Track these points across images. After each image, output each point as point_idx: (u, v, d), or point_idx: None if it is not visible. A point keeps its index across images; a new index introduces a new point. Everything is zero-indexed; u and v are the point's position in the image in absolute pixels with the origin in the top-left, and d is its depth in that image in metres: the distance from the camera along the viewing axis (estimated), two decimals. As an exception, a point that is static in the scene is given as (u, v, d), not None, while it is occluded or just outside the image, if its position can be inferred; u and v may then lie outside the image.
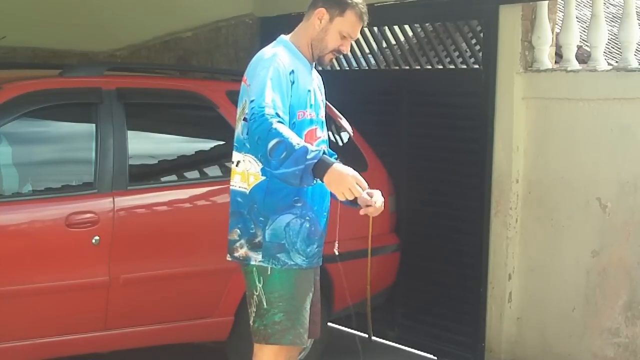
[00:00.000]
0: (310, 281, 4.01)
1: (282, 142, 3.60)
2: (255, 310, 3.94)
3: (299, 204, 3.89)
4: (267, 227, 3.88)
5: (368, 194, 3.88)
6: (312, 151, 3.62)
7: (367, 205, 3.80)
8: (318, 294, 4.13)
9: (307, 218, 3.92)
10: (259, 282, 3.91)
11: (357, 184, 3.64)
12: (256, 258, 3.90)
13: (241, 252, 3.93)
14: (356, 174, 3.67)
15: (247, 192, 3.90)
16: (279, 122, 3.65)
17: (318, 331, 4.22)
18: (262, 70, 3.82)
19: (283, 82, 3.81)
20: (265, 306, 3.90)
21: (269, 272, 3.90)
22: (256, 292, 3.92)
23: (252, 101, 3.75)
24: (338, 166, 3.65)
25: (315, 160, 3.60)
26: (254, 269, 3.92)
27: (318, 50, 4.02)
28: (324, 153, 3.67)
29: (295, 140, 3.63)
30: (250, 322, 3.98)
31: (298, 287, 3.94)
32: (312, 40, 4.01)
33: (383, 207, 3.83)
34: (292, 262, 3.91)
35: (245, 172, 3.91)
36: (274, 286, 3.90)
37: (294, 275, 3.92)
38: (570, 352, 5.65)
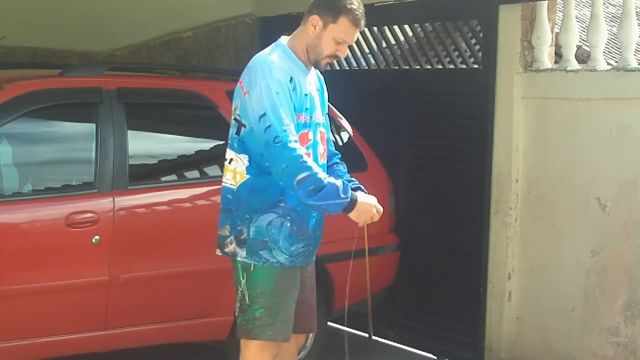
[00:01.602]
0: (294, 279, 4.08)
1: (311, 176, 3.80)
2: (239, 305, 4.06)
3: (282, 204, 3.99)
4: (251, 225, 3.98)
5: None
6: (341, 188, 3.85)
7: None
8: (311, 290, 4.22)
9: (289, 218, 4.00)
10: (243, 278, 4.03)
11: (377, 212, 3.98)
12: (241, 254, 4.02)
13: (230, 247, 4.05)
14: (376, 202, 3.99)
15: (235, 189, 4.01)
16: (306, 152, 3.87)
17: (314, 326, 4.33)
18: (263, 81, 3.89)
19: (287, 93, 3.91)
20: (247, 302, 4.02)
21: (251, 269, 4.01)
22: (240, 287, 4.04)
23: (263, 115, 3.84)
24: (361, 200, 3.93)
25: (348, 200, 3.85)
26: (240, 265, 4.03)
27: (314, 55, 4.06)
28: (347, 184, 3.94)
29: (322, 174, 3.86)
30: (235, 317, 4.11)
31: (279, 285, 4.02)
32: (307, 46, 4.05)
33: (378, 216, 4.04)
34: (274, 260, 3.99)
35: (234, 170, 4.01)
36: (256, 282, 4.01)
37: (275, 273, 4.01)
38: (569, 351, 5.65)
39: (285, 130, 3.81)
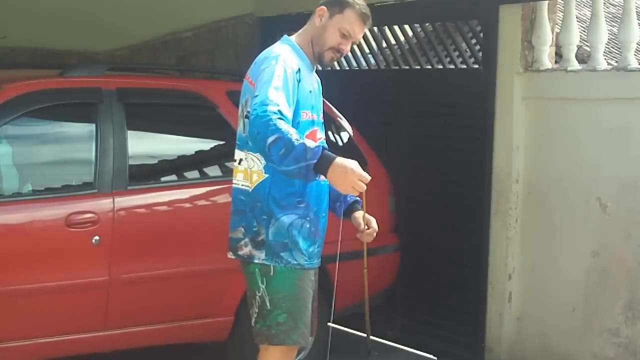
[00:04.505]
0: (312, 281, 4.02)
1: (281, 139, 3.59)
2: (257, 311, 3.94)
3: (302, 205, 3.91)
4: (270, 226, 3.89)
5: (367, 218, 4.01)
6: (311, 149, 3.61)
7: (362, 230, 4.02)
8: (315, 293, 4.14)
9: (308, 219, 3.94)
10: (262, 283, 3.91)
11: (359, 179, 3.65)
12: (260, 256, 3.90)
13: (245, 250, 3.93)
14: (356, 167, 3.66)
15: (250, 190, 3.91)
16: (279, 118, 3.64)
17: (314, 329, 4.26)
18: (269, 67, 3.83)
19: (289, 80, 3.82)
20: (268, 307, 3.91)
21: (271, 273, 3.91)
22: (259, 293, 3.92)
23: (256, 96, 3.75)
24: (338, 162, 3.64)
25: (315, 161, 3.60)
26: (257, 269, 3.93)
27: (318, 46, 4.02)
28: (323, 148, 3.67)
29: (295, 136, 3.61)
30: (252, 322, 3.98)
31: (300, 288, 3.95)
32: (312, 38, 4.03)
33: (375, 235, 4.01)
34: (295, 262, 3.92)
35: (248, 170, 3.91)
36: (277, 287, 3.91)
37: (296, 276, 3.94)
38: (570, 352, 5.65)
39: (265, 104, 3.65)
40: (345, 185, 3.66)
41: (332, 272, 5.44)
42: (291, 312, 3.92)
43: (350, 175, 3.64)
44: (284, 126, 3.62)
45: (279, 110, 3.66)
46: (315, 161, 3.60)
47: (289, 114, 3.75)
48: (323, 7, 4.02)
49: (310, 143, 3.65)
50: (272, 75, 3.77)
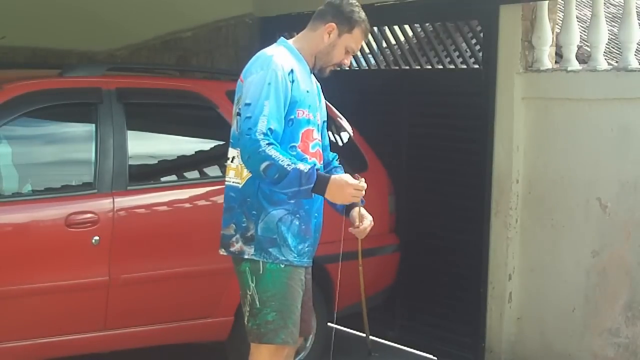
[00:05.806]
0: (301, 280, 4.05)
1: (273, 165, 3.76)
2: (248, 309, 3.99)
3: (292, 201, 3.93)
4: (259, 221, 3.93)
5: (361, 215, 4.02)
6: (305, 173, 3.77)
7: (356, 225, 4.02)
8: (310, 293, 4.18)
9: (298, 215, 3.97)
10: (252, 281, 3.96)
11: (355, 189, 3.86)
12: (249, 252, 3.95)
13: (237, 246, 3.98)
14: (350, 180, 3.86)
15: (240, 186, 3.96)
16: (268, 143, 3.77)
17: (310, 328, 4.30)
18: (260, 71, 3.89)
19: (280, 85, 3.87)
20: (258, 305, 3.95)
21: (261, 271, 3.94)
22: (249, 291, 3.97)
23: (247, 105, 3.83)
24: (333, 182, 3.84)
25: (311, 185, 3.79)
26: (247, 268, 3.97)
27: (322, 62, 4.11)
28: (314, 167, 3.81)
29: (286, 162, 3.76)
30: (245, 321, 4.03)
31: (290, 287, 3.98)
32: (317, 53, 4.09)
33: (368, 231, 4.02)
34: (283, 258, 3.95)
35: (239, 167, 3.96)
36: (267, 285, 3.95)
37: (286, 275, 3.97)
38: (570, 352, 5.65)
39: (257, 122, 3.79)
40: (344, 200, 3.91)
41: (333, 272, 5.49)
42: (280, 310, 3.95)
43: (346, 189, 3.86)
44: (274, 153, 3.77)
45: (269, 129, 3.79)
46: (311, 186, 3.79)
47: (279, 125, 3.85)
48: (333, 24, 4.06)
49: (303, 167, 3.79)
50: (263, 83, 3.85)
